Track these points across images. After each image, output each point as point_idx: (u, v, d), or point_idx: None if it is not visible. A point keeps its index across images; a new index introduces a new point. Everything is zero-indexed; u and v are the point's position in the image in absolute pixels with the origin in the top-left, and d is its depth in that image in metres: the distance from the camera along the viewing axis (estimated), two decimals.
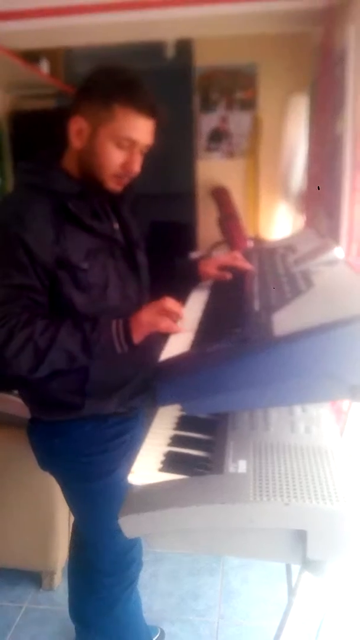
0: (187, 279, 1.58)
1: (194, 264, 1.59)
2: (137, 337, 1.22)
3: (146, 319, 1.21)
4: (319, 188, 2.45)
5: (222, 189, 3.44)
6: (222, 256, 1.59)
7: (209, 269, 1.57)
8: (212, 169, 3.54)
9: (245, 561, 2.17)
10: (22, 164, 1.34)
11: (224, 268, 1.56)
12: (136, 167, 1.28)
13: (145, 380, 1.39)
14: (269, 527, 0.89)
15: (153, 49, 3.25)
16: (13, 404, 1.88)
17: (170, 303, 1.22)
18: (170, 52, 3.28)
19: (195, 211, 3.62)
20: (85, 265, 1.26)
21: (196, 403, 0.96)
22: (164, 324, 1.21)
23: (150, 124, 1.25)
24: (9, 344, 1.16)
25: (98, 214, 1.34)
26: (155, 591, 2.07)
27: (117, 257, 1.36)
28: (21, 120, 3.27)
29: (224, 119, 3.46)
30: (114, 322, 1.22)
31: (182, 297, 1.49)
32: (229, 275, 1.53)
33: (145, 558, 1.57)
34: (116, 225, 1.39)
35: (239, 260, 1.54)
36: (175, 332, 1.20)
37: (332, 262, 1.19)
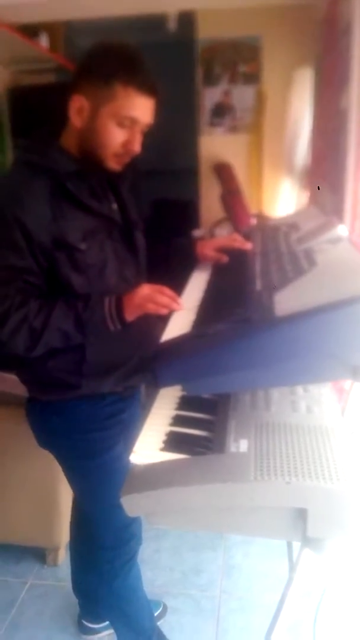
0: (184, 261, 1.58)
1: (191, 245, 1.58)
2: (130, 317, 1.22)
3: (137, 302, 1.21)
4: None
5: (225, 164, 3.39)
6: (221, 238, 1.58)
7: (207, 250, 1.56)
8: (215, 145, 3.49)
9: (247, 537, 2.19)
10: (22, 142, 1.33)
11: (222, 250, 1.55)
12: (137, 146, 1.26)
13: (142, 360, 1.39)
14: (270, 505, 0.90)
15: (155, 22, 3.18)
16: (11, 382, 1.88)
17: (164, 297, 1.21)
18: (172, 25, 3.21)
19: (197, 188, 3.58)
20: (83, 246, 1.25)
21: (197, 384, 0.96)
22: (153, 308, 1.21)
23: (151, 102, 1.24)
24: (4, 326, 1.17)
25: (96, 193, 1.33)
26: (158, 566, 2.10)
27: (115, 238, 1.34)
28: (21, 96, 3.22)
29: (227, 93, 3.40)
30: (106, 300, 1.22)
31: (179, 278, 1.48)
32: (225, 258, 1.52)
33: (147, 534, 1.59)
34: (114, 206, 1.37)
35: (237, 242, 1.53)
36: (163, 314, 1.20)
37: (336, 240, 1.17)
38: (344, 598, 1.76)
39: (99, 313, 1.21)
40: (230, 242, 1.54)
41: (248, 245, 1.50)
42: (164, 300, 1.21)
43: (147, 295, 1.22)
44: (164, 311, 1.21)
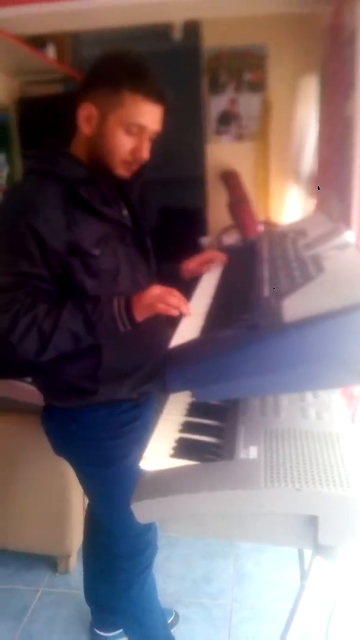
0: (173, 284, 1.60)
1: (178, 269, 1.60)
2: (139, 317, 1.22)
3: (147, 301, 1.22)
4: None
5: (232, 172, 3.40)
6: (200, 256, 1.61)
7: (192, 267, 1.59)
8: (222, 153, 3.49)
9: (258, 545, 2.18)
10: (31, 152, 1.35)
11: (205, 262, 1.60)
12: (145, 153, 1.28)
13: (156, 366, 1.40)
14: (280, 512, 0.90)
15: (160, 31, 3.20)
16: (24, 390, 1.90)
17: (175, 298, 1.22)
18: (177, 34, 3.23)
19: (205, 195, 3.59)
20: (96, 252, 1.26)
21: (206, 389, 0.97)
22: (163, 308, 1.21)
23: (158, 110, 1.25)
24: (14, 330, 1.16)
25: (107, 200, 1.34)
26: (169, 575, 2.09)
27: (127, 243, 1.36)
28: (29, 106, 3.25)
29: (233, 102, 3.41)
30: (115, 301, 1.22)
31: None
32: (208, 269, 1.59)
33: (159, 542, 1.59)
34: (125, 211, 1.38)
35: (217, 257, 1.61)
36: (174, 315, 1.21)
37: (343, 247, 1.17)
38: (357, 607, 1.74)
39: (108, 313, 1.21)
40: (209, 259, 1.60)
41: (223, 258, 1.61)
42: (174, 300, 1.21)
43: (158, 295, 1.22)
44: (174, 312, 1.21)
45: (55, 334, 1.19)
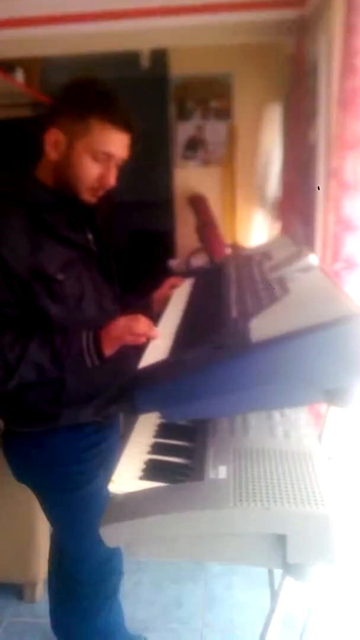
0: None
1: (148, 303, 1.61)
2: (108, 351, 1.22)
3: (115, 334, 1.22)
4: (288, 198, 2.47)
5: (200, 196, 3.46)
6: (162, 286, 1.64)
7: (158, 297, 1.61)
8: (189, 177, 3.56)
9: (228, 568, 2.17)
10: None
11: (169, 289, 1.63)
12: (112, 180, 1.29)
13: (120, 388, 1.39)
14: (250, 532, 0.90)
15: (128, 59, 3.26)
16: None
17: (141, 325, 1.21)
18: (145, 62, 3.29)
19: (172, 219, 3.64)
20: (60, 277, 1.25)
21: (175, 410, 0.97)
22: (131, 339, 1.21)
23: (126, 138, 1.27)
24: None
25: (72, 225, 1.35)
26: (139, 600, 2.06)
27: (91, 268, 1.36)
28: None
29: (199, 128, 3.48)
30: (84, 336, 1.22)
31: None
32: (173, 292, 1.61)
33: (127, 566, 1.57)
34: (90, 236, 1.39)
35: (174, 281, 1.65)
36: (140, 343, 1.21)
37: (307, 269, 1.20)
38: (329, 626, 1.74)
39: (76, 348, 1.21)
40: (171, 285, 1.63)
41: (182, 282, 1.64)
42: (142, 327, 1.21)
43: (124, 326, 1.22)
44: (142, 340, 1.21)
45: (20, 366, 1.19)
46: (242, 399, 0.92)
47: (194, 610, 2.01)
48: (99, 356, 1.22)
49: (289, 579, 1.00)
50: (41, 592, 2.07)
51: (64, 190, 1.29)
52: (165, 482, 0.98)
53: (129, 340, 1.21)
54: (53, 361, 1.21)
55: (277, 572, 1.19)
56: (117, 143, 1.26)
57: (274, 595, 1.17)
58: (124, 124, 1.25)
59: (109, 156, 1.26)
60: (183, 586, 2.12)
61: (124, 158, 1.30)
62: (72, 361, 1.21)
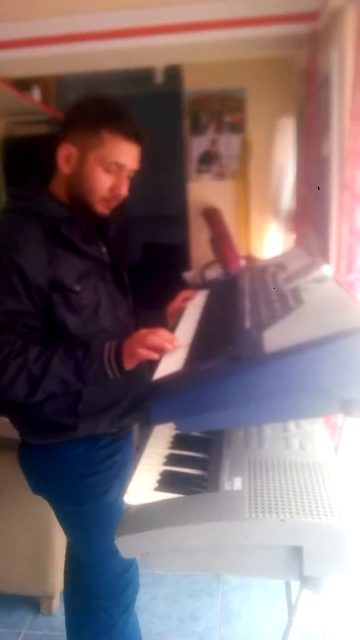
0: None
1: (163, 316, 1.59)
2: (129, 365, 1.23)
3: (137, 349, 1.21)
4: (302, 210, 2.48)
5: (214, 209, 3.48)
6: (176, 299, 1.62)
7: (173, 309, 1.59)
8: (203, 191, 3.58)
9: (245, 581, 2.15)
10: (11, 190, 1.37)
11: (183, 302, 1.61)
12: (124, 190, 1.31)
13: (135, 399, 1.40)
14: (265, 543, 0.90)
15: (143, 75, 3.31)
16: (3, 425, 1.87)
17: (163, 339, 1.21)
18: (159, 78, 3.34)
19: (187, 232, 3.66)
20: (77, 288, 1.28)
21: (190, 421, 0.97)
22: (149, 355, 1.20)
23: (136, 149, 1.29)
24: (4, 373, 1.18)
25: (87, 237, 1.37)
26: (155, 614, 2.05)
27: (106, 279, 1.38)
28: (14, 146, 3.32)
29: (213, 142, 3.51)
30: (106, 349, 1.23)
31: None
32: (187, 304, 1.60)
33: (144, 580, 1.56)
34: (104, 248, 1.41)
35: (188, 294, 1.62)
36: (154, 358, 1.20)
37: (321, 280, 1.20)
38: (347, 638, 1.72)
39: (98, 362, 1.22)
40: (185, 297, 1.61)
41: (195, 294, 1.62)
42: (163, 340, 1.20)
43: (146, 338, 1.21)
44: (155, 356, 1.20)
45: (44, 379, 1.20)
46: (257, 410, 0.92)
47: (210, 624, 1.99)
48: (120, 369, 1.23)
49: (306, 593, 0.99)
50: (58, 605, 2.07)
51: (78, 203, 1.32)
52: (181, 493, 0.99)
53: (152, 355, 1.20)
54: (76, 375, 1.22)
55: (295, 586, 1.18)
56: (128, 154, 1.28)
57: (292, 609, 1.16)
58: (135, 135, 1.27)
59: (120, 167, 1.28)
60: (199, 600, 2.11)
61: (135, 169, 1.32)
62: (95, 374, 1.22)
